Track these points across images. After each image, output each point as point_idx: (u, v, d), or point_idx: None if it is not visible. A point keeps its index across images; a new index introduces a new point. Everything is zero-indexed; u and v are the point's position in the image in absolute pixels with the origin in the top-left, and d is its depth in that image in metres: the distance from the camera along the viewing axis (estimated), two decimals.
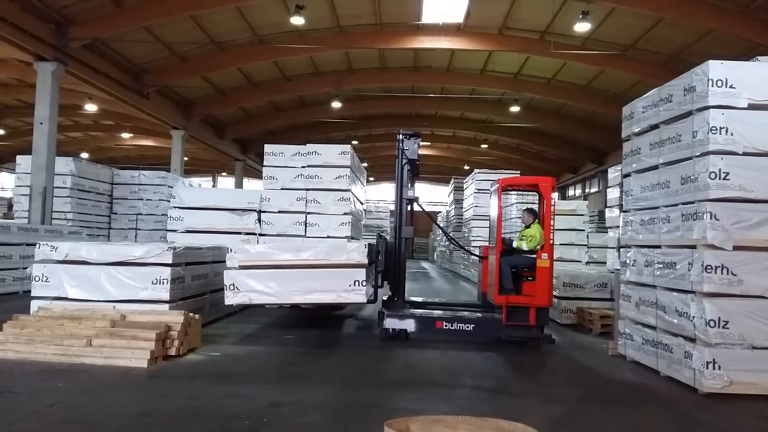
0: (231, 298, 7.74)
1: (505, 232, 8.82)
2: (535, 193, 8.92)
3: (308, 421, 4.77)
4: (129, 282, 7.45)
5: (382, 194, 48.21)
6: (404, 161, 8.57)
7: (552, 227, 7.98)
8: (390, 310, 8.31)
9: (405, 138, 8.60)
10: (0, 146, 33.48)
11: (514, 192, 9.42)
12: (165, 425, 4.51)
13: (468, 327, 8.08)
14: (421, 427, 2.75)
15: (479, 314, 8.57)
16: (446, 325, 8.07)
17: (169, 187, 17.69)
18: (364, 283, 7.70)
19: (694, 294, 6.08)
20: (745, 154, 6.00)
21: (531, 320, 7.87)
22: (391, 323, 8.14)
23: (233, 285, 7.67)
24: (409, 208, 8.59)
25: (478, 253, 10.30)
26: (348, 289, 7.67)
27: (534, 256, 7.98)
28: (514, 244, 8.49)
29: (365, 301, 7.86)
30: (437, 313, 8.57)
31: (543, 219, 8.17)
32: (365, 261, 7.82)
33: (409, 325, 8.14)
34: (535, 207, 8.71)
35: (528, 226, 8.54)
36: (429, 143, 34.30)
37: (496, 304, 8.08)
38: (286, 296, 7.79)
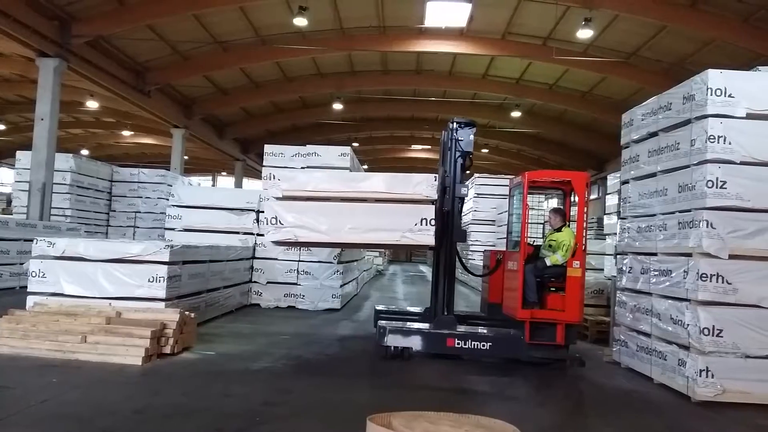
0: (273, 235, 6.73)
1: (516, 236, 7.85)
2: (560, 192, 8.22)
3: (301, 420, 4.78)
4: (125, 279, 7.44)
5: None
6: (457, 154, 7.52)
7: (585, 231, 7.25)
8: (438, 328, 7.36)
9: (459, 127, 7.54)
10: (0, 141, 33.50)
11: (518, 192, 8.21)
12: (158, 423, 4.52)
13: (484, 345, 7.09)
14: (403, 422, 2.76)
15: (499, 331, 7.47)
16: (459, 343, 7.08)
17: (169, 185, 17.71)
18: (433, 222, 6.65)
19: (688, 302, 6.08)
20: (742, 163, 6.02)
21: (558, 338, 7.03)
22: (393, 340, 7.11)
23: (275, 219, 6.65)
24: (460, 207, 7.61)
25: (482, 259, 9.39)
26: (413, 228, 6.60)
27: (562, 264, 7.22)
28: (547, 261, 7.34)
29: (433, 243, 6.82)
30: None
31: (572, 221, 7.56)
32: (434, 196, 6.84)
33: (415, 342, 7.15)
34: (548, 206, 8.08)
35: (557, 230, 7.56)
36: (429, 146, 34.34)
37: (519, 320, 7.18)
38: (339, 234, 6.71)
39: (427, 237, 6.65)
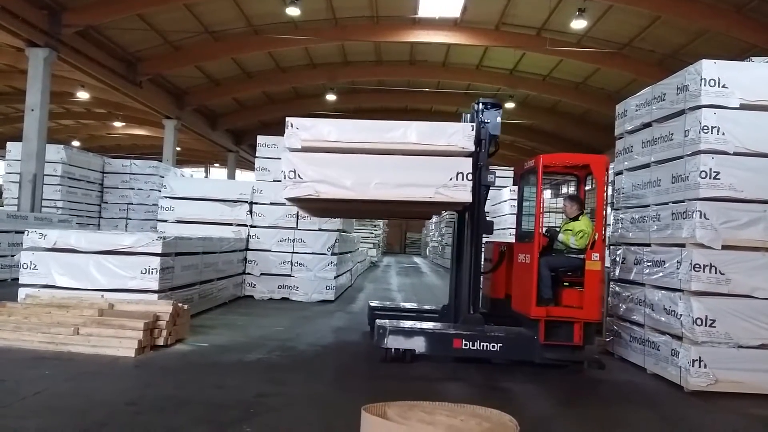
0: (291, 190, 6.16)
1: (526, 228, 7.24)
2: (569, 179, 7.64)
3: (294, 411, 4.77)
4: (118, 271, 7.39)
5: None
6: (483, 137, 6.86)
7: (604, 221, 6.70)
8: (463, 329, 6.71)
9: (485, 108, 6.92)
10: None
11: (530, 179, 7.42)
12: (151, 414, 4.50)
13: (494, 346, 6.51)
14: (398, 412, 2.75)
15: (510, 330, 6.85)
16: (466, 344, 6.50)
17: (161, 176, 17.61)
18: (470, 176, 6.12)
19: (682, 292, 6.11)
20: (735, 153, 6.03)
21: (576, 338, 6.42)
22: (395, 342, 6.57)
23: (294, 172, 6.10)
24: (485, 196, 7.04)
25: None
26: (448, 183, 6.06)
27: (579, 256, 6.60)
28: (560, 237, 6.83)
29: (470, 199, 6.27)
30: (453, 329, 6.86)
31: (589, 208, 7.04)
32: (471, 148, 6.27)
33: (418, 344, 6.56)
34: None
35: (574, 218, 6.95)
36: None
37: (533, 318, 6.53)
38: (365, 190, 6.11)
39: (463, 193, 6.11)
